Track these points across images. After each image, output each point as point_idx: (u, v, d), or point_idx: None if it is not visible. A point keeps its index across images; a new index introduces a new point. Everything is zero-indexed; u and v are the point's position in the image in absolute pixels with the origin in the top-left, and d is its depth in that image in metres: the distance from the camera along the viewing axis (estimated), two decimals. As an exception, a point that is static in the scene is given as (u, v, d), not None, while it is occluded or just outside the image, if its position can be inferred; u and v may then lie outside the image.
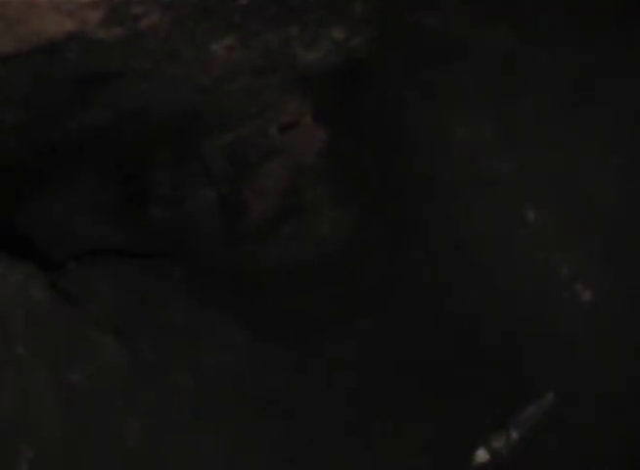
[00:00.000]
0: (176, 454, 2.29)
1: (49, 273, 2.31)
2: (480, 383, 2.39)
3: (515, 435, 2.30)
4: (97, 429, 2.21)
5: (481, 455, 2.32)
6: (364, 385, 2.43)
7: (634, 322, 2.37)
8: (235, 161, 2.77)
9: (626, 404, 2.34)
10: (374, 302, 2.53)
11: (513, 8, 2.53)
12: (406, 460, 2.33)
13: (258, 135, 2.79)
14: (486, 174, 2.50)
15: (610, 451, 2.31)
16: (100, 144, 2.60)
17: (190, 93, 2.60)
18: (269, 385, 2.42)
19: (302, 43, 2.59)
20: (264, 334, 2.50)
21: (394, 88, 2.65)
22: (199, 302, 2.50)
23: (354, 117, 2.73)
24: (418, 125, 2.61)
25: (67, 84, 2.38)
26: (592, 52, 2.48)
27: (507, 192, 2.48)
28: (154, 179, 2.72)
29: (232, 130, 2.77)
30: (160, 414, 2.31)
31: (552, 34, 2.47)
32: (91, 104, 2.49)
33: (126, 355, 2.31)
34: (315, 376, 2.45)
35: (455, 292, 2.47)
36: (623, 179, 2.44)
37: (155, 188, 2.72)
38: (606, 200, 2.42)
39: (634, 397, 2.34)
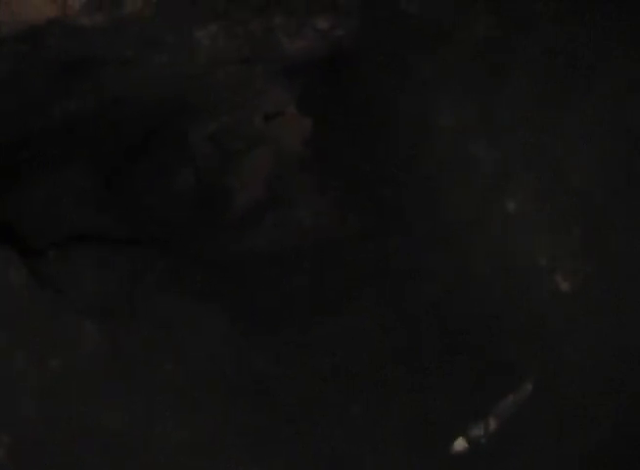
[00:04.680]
0: (158, 443, 2.30)
1: (30, 259, 2.31)
2: (459, 372, 2.40)
3: (493, 424, 2.31)
4: (76, 416, 2.21)
5: (460, 444, 2.33)
6: (346, 373, 2.44)
7: (612, 311, 2.38)
8: (219, 149, 2.77)
9: (605, 393, 2.35)
10: (356, 290, 2.54)
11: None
12: (385, 449, 2.34)
13: (243, 124, 2.78)
14: (469, 161, 2.50)
15: (589, 440, 2.32)
16: (83, 131, 2.59)
17: (174, 81, 2.60)
18: (253, 373, 2.43)
19: (287, 32, 2.59)
20: (248, 323, 2.50)
21: (379, 77, 2.65)
22: (182, 289, 2.50)
23: (339, 107, 2.73)
24: (402, 114, 2.62)
25: (49, 71, 2.38)
26: (576, 38, 2.48)
27: (489, 179, 2.49)
28: (137, 167, 2.71)
29: (217, 119, 2.76)
30: (141, 402, 2.31)
31: (535, 21, 2.48)
32: (74, 91, 2.49)
33: (107, 342, 2.31)
34: (298, 364, 2.45)
35: (435, 281, 2.48)
36: (606, 168, 2.45)
37: (138, 176, 2.71)
38: (587, 189, 2.43)
39: (613, 385, 2.35)
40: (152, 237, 2.60)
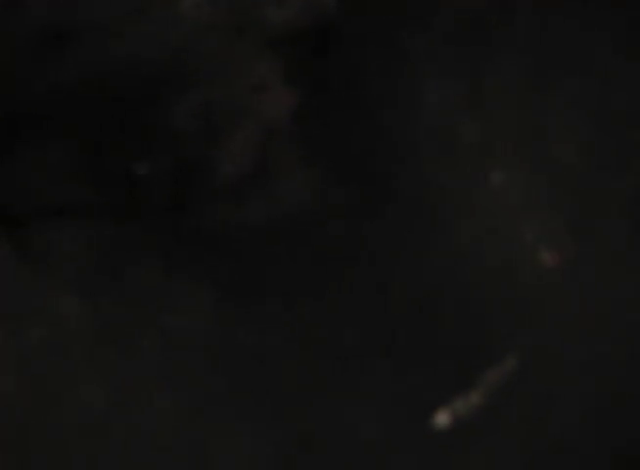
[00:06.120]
0: (141, 420, 2.29)
1: (12, 232, 2.29)
2: (443, 347, 2.40)
3: (476, 399, 2.32)
4: (59, 392, 2.21)
5: (442, 419, 2.33)
6: (330, 349, 2.44)
7: (599, 288, 2.38)
8: (204, 122, 2.75)
9: (590, 369, 2.35)
10: (341, 266, 2.53)
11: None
12: (366, 423, 2.34)
13: (229, 97, 2.76)
14: (454, 140, 2.49)
15: (572, 415, 2.33)
16: (65, 105, 2.57)
17: (158, 53, 2.58)
18: (237, 349, 2.43)
19: (273, 2, 2.57)
20: (232, 297, 2.50)
21: (366, 51, 2.63)
22: (165, 264, 2.49)
23: (325, 80, 2.71)
24: (389, 88, 2.60)
25: (30, 42, 2.35)
26: (565, 18, 2.47)
27: (475, 156, 2.48)
28: (121, 140, 2.69)
29: (201, 92, 2.74)
30: (124, 378, 2.31)
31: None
32: (56, 63, 2.46)
33: (90, 317, 2.31)
34: (283, 341, 2.45)
35: (420, 258, 2.47)
36: (592, 145, 2.45)
37: (122, 149, 2.69)
38: (574, 166, 2.43)
39: (598, 362, 2.35)
40: (135, 212, 2.58)
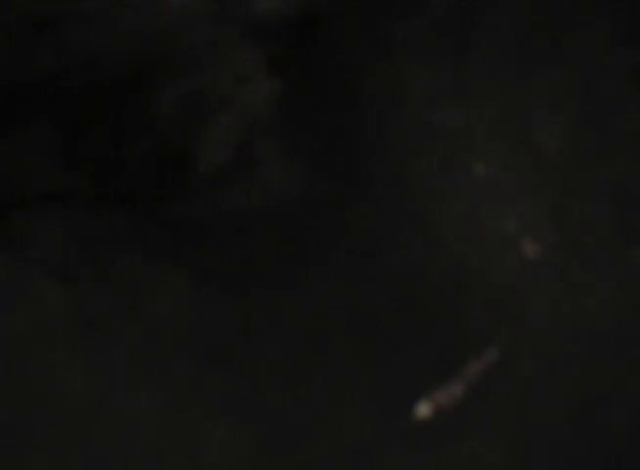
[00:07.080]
0: (119, 407, 2.29)
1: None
2: (424, 337, 2.40)
3: (458, 389, 2.32)
4: (41, 379, 2.20)
5: (424, 409, 2.33)
6: (311, 338, 2.44)
7: (580, 279, 2.39)
8: (187, 111, 2.74)
9: (572, 361, 2.36)
10: (321, 255, 2.53)
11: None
12: (348, 414, 2.34)
13: (212, 86, 2.75)
14: (437, 128, 2.50)
15: (552, 406, 2.34)
16: (49, 90, 2.56)
17: (140, 40, 2.56)
18: (218, 336, 2.43)
19: (257, -9, 2.57)
20: (214, 285, 2.50)
21: (350, 39, 2.63)
22: (147, 252, 2.48)
23: (309, 71, 2.71)
24: (372, 80, 2.61)
25: (11, 27, 2.34)
26: (549, 5, 2.48)
27: (457, 146, 2.48)
28: (104, 127, 2.69)
29: (185, 80, 2.73)
30: (103, 364, 2.30)
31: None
32: (38, 49, 2.45)
33: (70, 303, 2.30)
34: (263, 328, 2.45)
35: (402, 246, 2.48)
36: (573, 135, 2.46)
37: (104, 136, 2.68)
38: (555, 155, 2.44)
39: (581, 353, 2.36)
40: (117, 199, 2.57)
